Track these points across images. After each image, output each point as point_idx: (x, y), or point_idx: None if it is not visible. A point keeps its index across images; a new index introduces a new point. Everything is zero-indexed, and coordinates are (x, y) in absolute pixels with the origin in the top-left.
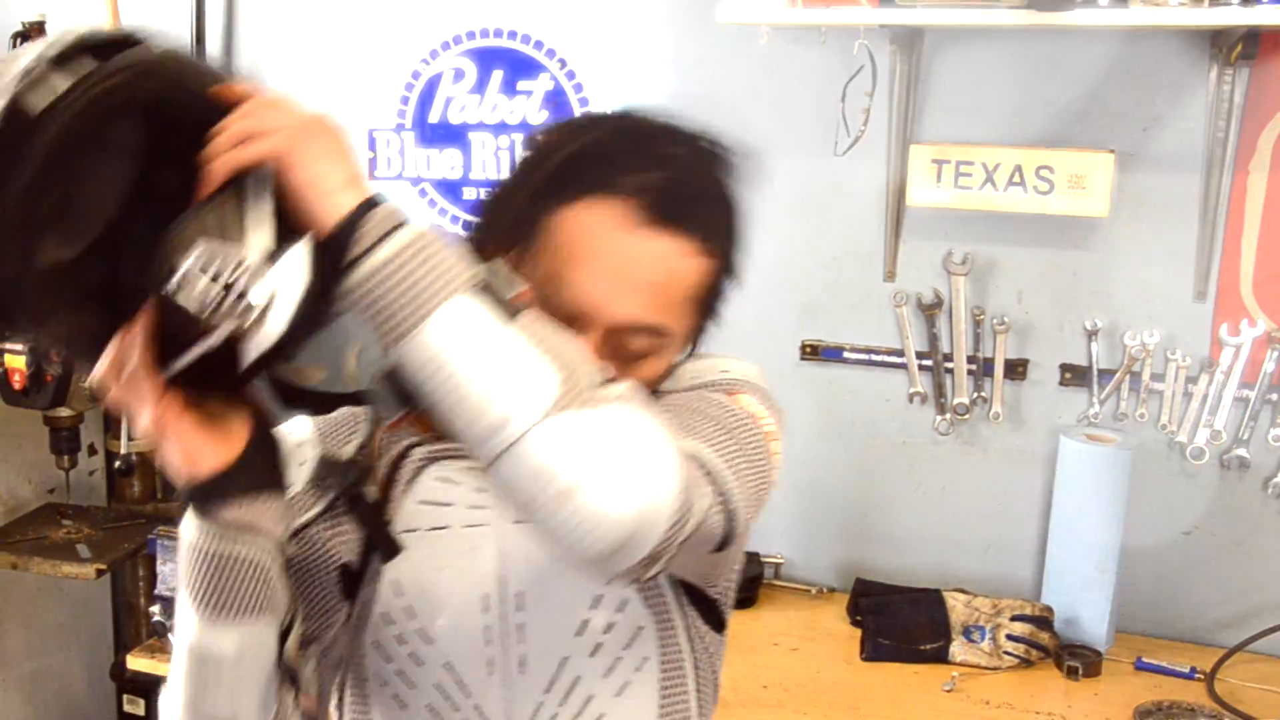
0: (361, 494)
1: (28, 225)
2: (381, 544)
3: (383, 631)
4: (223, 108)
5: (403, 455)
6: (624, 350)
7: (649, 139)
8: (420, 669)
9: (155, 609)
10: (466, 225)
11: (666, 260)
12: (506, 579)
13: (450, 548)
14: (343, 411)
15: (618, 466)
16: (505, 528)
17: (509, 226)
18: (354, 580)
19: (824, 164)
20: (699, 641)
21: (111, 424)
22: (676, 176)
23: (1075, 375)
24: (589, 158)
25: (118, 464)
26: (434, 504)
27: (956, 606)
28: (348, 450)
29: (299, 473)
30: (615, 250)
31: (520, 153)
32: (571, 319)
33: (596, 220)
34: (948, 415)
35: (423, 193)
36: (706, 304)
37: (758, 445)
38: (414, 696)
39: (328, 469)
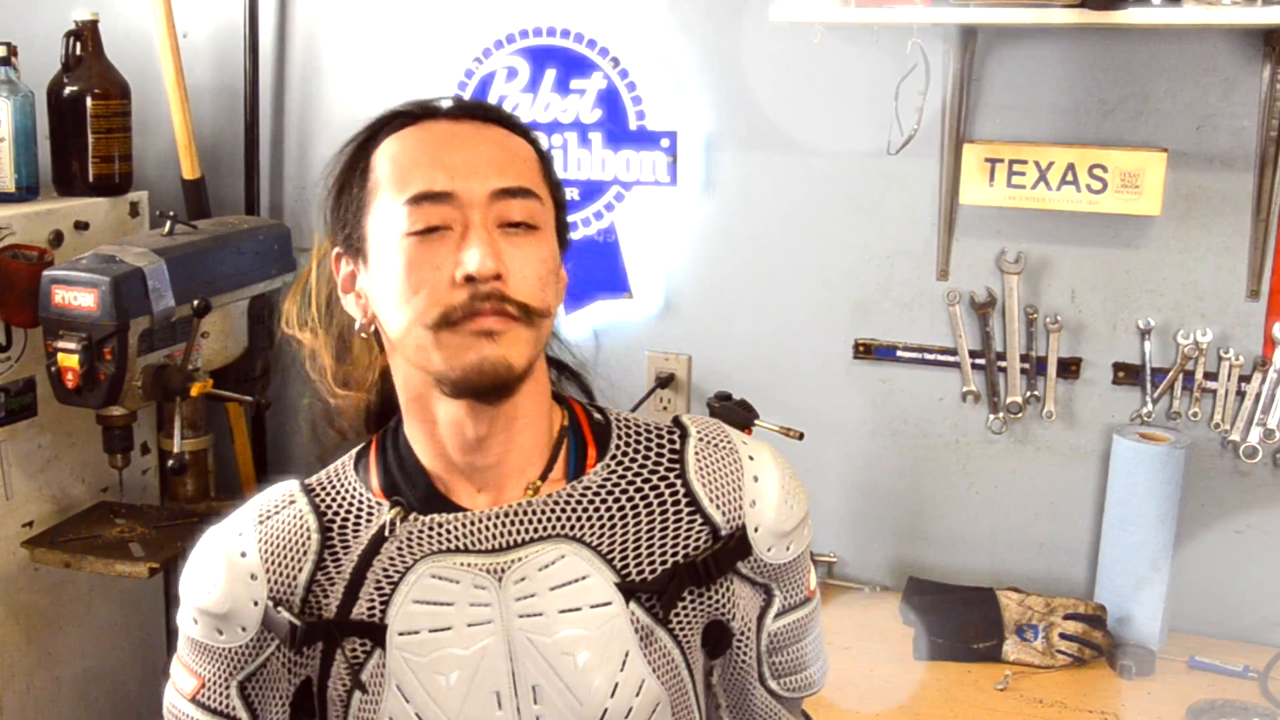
0: (322, 629)
1: None
2: (353, 680)
3: None
4: None
5: (380, 538)
6: (510, 223)
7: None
8: None
9: None
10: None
11: (485, 136)
12: (518, 673)
13: (455, 649)
14: (287, 519)
15: None
16: (512, 621)
17: (346, 223)
18: (318, 694)
19: (877, 163)
20: (706, 693)
21: (164, 423)
22: (437, 100)
23: (1128, 374)
24: (363, 130)
25: (170, 463)
26: (433, 604)
27: (1009, 605)
28: (300, 579)
29: (250, 616)
30: (438, 139)
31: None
32: (448, 219)
33: (404, 138)
34: (1001, 414)
35: None
36: (547, 176)
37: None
38: None
39: (274, 621)
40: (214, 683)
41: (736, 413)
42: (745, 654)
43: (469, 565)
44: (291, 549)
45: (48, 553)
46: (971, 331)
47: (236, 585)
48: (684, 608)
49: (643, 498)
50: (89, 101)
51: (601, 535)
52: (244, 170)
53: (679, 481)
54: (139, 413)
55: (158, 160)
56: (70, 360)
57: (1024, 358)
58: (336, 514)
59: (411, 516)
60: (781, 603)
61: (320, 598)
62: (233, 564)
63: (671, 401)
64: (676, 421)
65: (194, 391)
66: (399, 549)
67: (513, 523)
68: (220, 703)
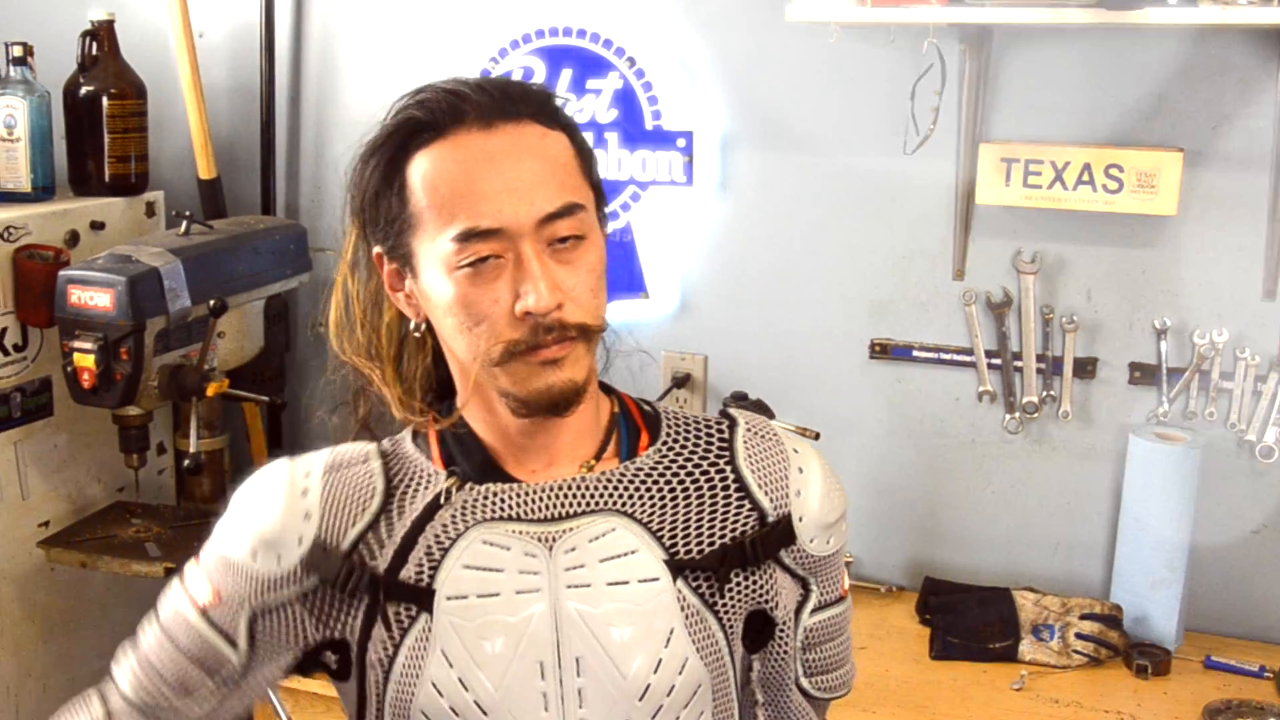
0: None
1: None
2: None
3: (433, 704)
4: None
5: (436, 505)
6: (558, 241)
7: (426, 92)
8: None
9: None
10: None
11: (522, 146)
12: (563, 643)
13: (502, 615)
14: (357, 475)
15: None
16: (560, 591)
17: (389, 234)
18: (345, 658)
19: (893, 163)
20: (744, 688)
21: (180, 422)
22: (463, 92)
23: (1144, 374)
24: (389, 137)
25: (187, 462)
26: (483, 569)
27: (1025, 605)
28: (351, 534)
29: (290, 550)
30: (474, 161)
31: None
32: (499, 250)
33: (438, 158)
34: (1017, 414)
35: None
36: (587, 174)
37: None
38: None
39: (322, 561)
40: (229, 602)
41: (753, 412)
42: (785, 647)
43: (520, 533)
44: (352, 504)
45: (64, 553)
46: (988, 331)
47: (290, 516)
48: (730, 591)
49: (693, 480)
50: (105, 101)
51: (652, 513)
52: (260, 170)
53: (729, 467)
54: (155, 413)
55: (174, 160)
56: (86, 360)
57: (1040, 357)
58: (400, 481)
59: (467, 486)
60: (818, 598)
61: (367, 557)
62: (293, 496)
63: (687, 401)
64: (724, 412)
65: (210, 391)
66: (453, 516)
67: (565, 495)
68: (227, 623)
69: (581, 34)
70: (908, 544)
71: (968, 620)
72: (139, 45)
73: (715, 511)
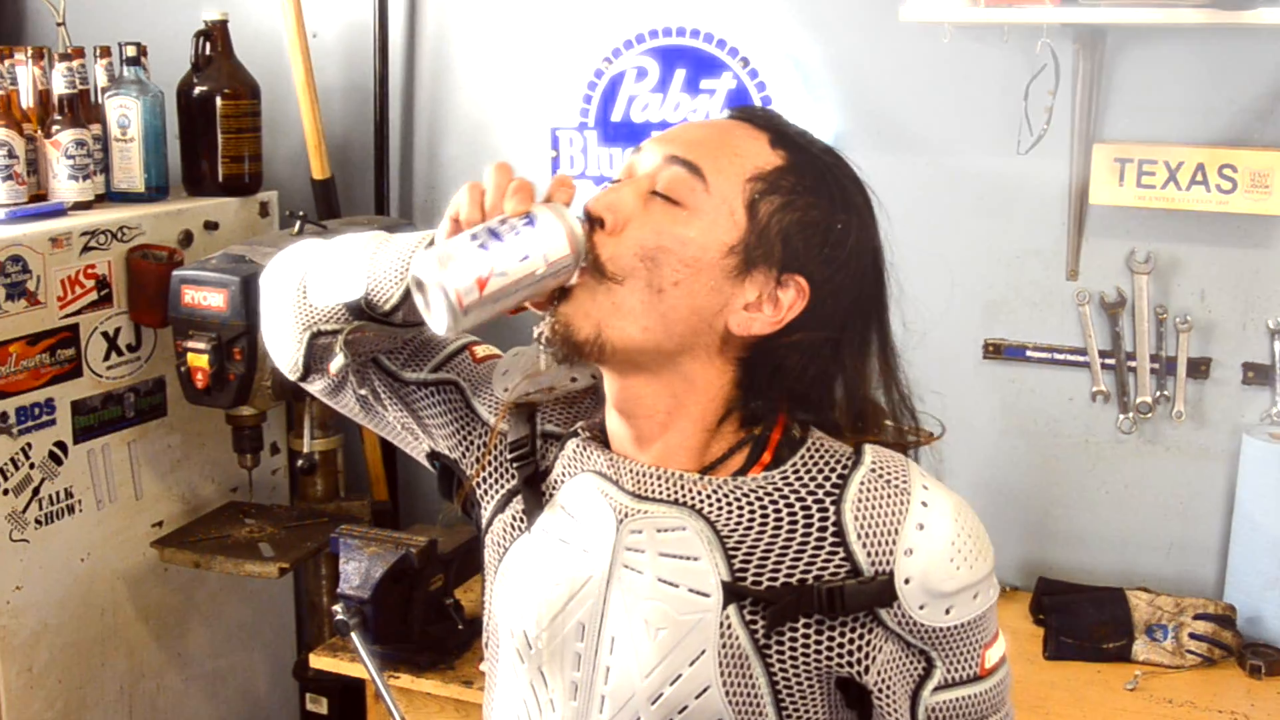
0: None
1: None
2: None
3: (499, 617)
4: None
5: (570, 437)
6: (655, 191)
7: None
8: (519, 666)
9: (337, 608)
10: None
11: (727, 124)
12: (604, 618)
13: (566, 566)
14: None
15: None
16: (619, 569)
17: None
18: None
19: (1007, 163)
20: None
21: (294, 423)
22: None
23: (1258, 374)
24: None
25: (300, 463)
26: (571, 515)
27: (1139, 605)
28: (550, 426)
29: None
30: (688, 122)
31: None
32: (630, 171)
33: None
34: (1130, 414)
35: None
36: (770, 206)
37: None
38: (516, 682)
39: (520, 419)
40: (477, 366)
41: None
42: (887, 716)
43: (607, 494)
44: (580, 406)
45: (177, 553)
46: (1101, 331)
47: (527, 368)
48: (789, 640)
49: (790, 513)
50: (219, 101)
51: (734, 529)
52: (374, 170)
53: (832, 508)
54: (268, 413)
55: (287, 160)
56: (200, 360)
57: (1154, 358)
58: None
59: (595, 435)
60: (944, 675)
61: (541, 449)
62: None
63: None
64: (859, 448)
65: None
66: (576, 448)
67: (654, 478)
68: (442, 349)
69: (695, 34)
70: (1022, 544)
71: (1082, 620)
72: (252, 45)
73: (802, 551)
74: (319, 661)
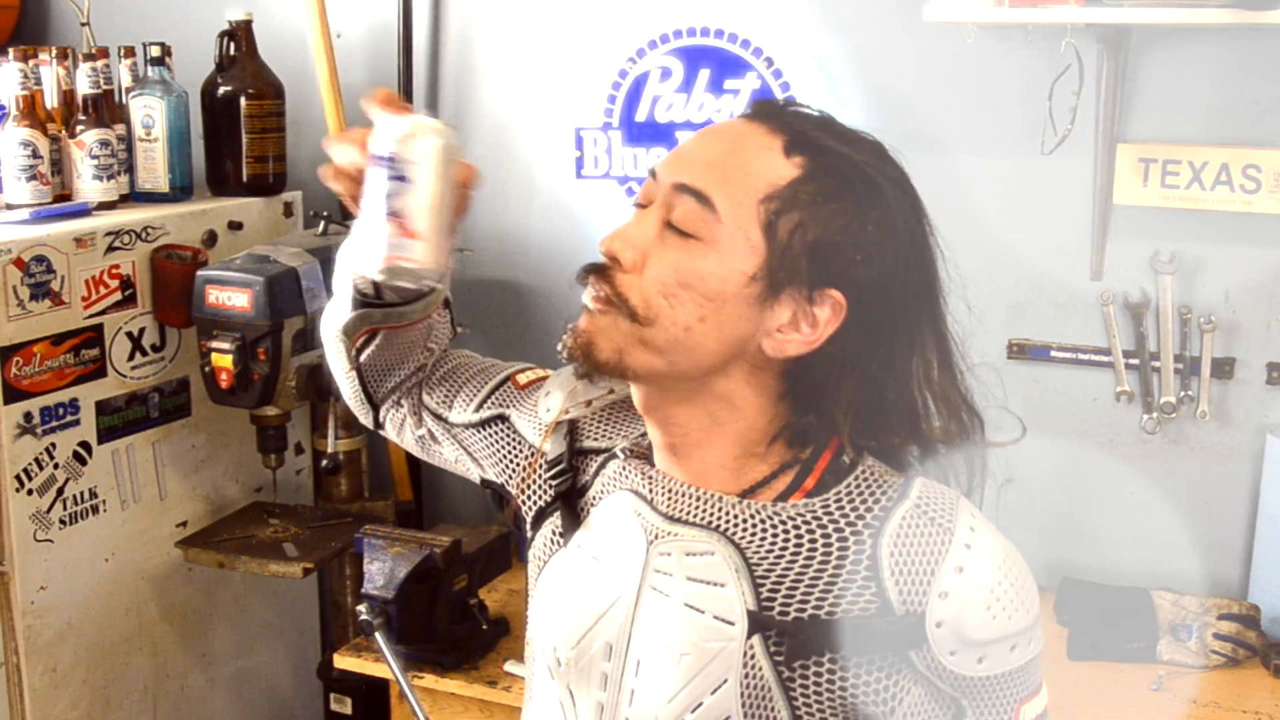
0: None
1: None
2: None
3: (534, 632)
4: None
5: (611, 460)
6: (670, 225)
7: None
8: (550, 682)
9: (362, 608)
10: None
11: (738, 136)
12: (631, 639)
13: (597, 585)
14: (620, 404)
15: None
16: (647, 590)
17: None
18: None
19: (1031, 163)
20: None
21: (319, 423)
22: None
23: None
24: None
25: (325, 463)
26: (605, 533)
27: (1163, 605)
28: (609, 442)
29: (554, 408)
30: (705, 133)
31: None
32: (648, 197)
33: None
34: (1155, 414)
35: (630, 191)
36: (789, 223)
37: None
38: (547, 698)
39: (558, 438)
40: (521, 392)
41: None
42: None
43: (640, 515)
44: (609, 424)
45: (202, 553)
46: (1125, 331)
47: (572, 393)
48: (813, 674)
49: (825, 543)
50: (243, 101)
51: (764, 557)
52: None
53: (870, 542)
54: (293, 413)
55: (311, 160)
56: (224, 360)
57: (1178, 358)
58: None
59: (638, 453)
60: None
61: (577, 470)
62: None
63: None
64: (909, 481)
65: None
66: (618, 470)
67: (694, 499)
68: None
69: (719, 34)
70: (1045, 544)
71: (1106, 620)
72: (276, 45)
73: (833, 583)
74: (343, 661)
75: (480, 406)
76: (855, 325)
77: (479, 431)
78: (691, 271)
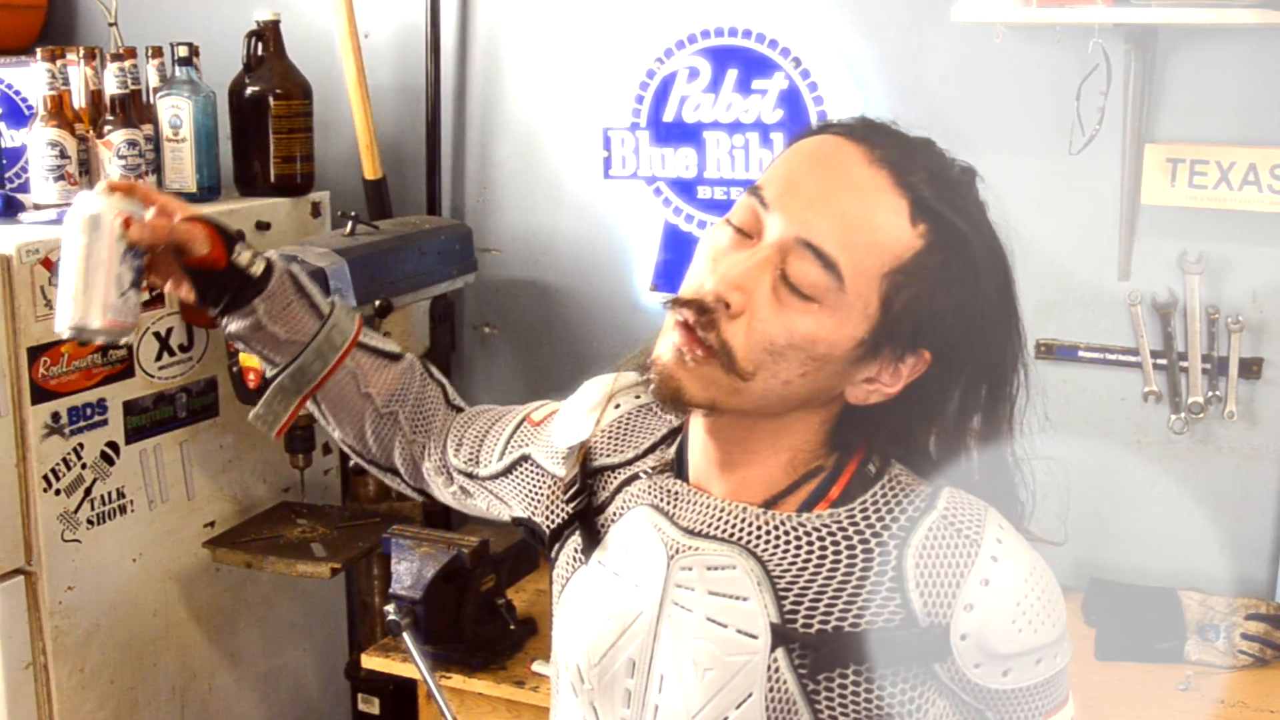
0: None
1: None
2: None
3: (557, 648)
4: None
5: (633, 479)
6: (785, 279)
7: None
8: (574, 699)
9: (389, 608)
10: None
11: (862, 186)
12: (654, 655)
13: (618, 601)
14: (650, 423)
15: None
16: (669, 606)
17: None
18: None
19: (1058, 163)
20: None
21: None
22: (916, 149)
23: None
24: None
25: (352, 463)
26: (625, 549)
27: (1191, 605)
28: (621, 456)
29: (571, 435)
30: (820, 164)
31: None
32: (749, 226)
33: (816, 142)
34: (1182, 414)
35: (657, 191)
36: (906, 296)
37: None
38: (571, 715)
39: (571, 459)
40: (537, 428)
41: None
42: None
43: (661, 530)
44: (625, 439)
45: (229, 553)
46: (1153, 331)
47: (588, 415)
48: (837, 686)
49: (849, 554)
50: (271, 101)
51: (787, 569)
52: (425, 170)
53: (895, 554)
54: None
55: (339, 160)
56: (252, 360)
57: (1205, 358)
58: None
59: (662, 467)
60: None
61: (597, 487)
62: (605, 402)
63: None
64: (937, 490)
65: None
66: (640, 488)
67: (717, 511)
68: (508, 436)
69: (747, 34)
70: (1073, 544)
71: (1133, 620)
72: (304, 45)
73: (856, 594)
74: (371, 662)
75: (503, 454)
76: (934, 373)
77: (506, 477)
78: (804, 336)
